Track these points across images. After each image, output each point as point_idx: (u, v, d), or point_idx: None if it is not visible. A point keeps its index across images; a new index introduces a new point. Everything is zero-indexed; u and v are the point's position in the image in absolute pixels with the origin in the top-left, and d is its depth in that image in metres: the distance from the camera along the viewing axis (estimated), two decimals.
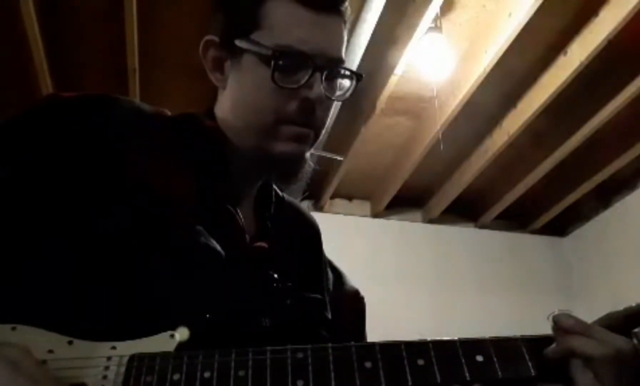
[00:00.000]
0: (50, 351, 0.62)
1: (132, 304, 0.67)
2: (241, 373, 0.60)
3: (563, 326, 0.66)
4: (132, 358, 0.62)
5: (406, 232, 4.24)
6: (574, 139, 3.39)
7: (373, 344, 0.65)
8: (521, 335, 0.67)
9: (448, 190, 4.05)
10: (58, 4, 2.57)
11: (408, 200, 4.20)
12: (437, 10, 2.57)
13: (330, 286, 0.94)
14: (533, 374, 0.64)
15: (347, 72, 0.84)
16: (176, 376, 0.60)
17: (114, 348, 0.63)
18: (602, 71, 2.96)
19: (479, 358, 0.65)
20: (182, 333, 0.65)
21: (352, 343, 0.64)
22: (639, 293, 3.52)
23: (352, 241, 3.88)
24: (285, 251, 0.85)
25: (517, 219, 4.41)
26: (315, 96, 0.78)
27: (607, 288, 3.95)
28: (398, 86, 3.05)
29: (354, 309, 0.97)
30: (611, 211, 4.15)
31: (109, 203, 0.71)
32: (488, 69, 2.86)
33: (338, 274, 0.98)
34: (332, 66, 0.81)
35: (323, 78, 0.79)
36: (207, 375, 0.60)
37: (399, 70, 2.87)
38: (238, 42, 0.80)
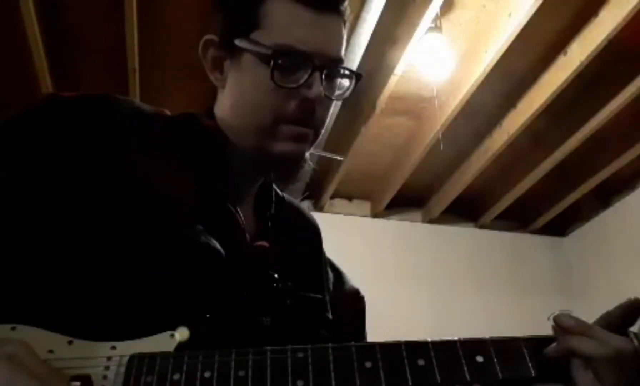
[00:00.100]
0: (51, 351, 0.62)
1: (132, 304, 0.67)
2: (241, 373, 0.60)
3: (564, 326, 0.66)
4: (132, 358, 0.62)
5: (406, 232, 4.24)
6: (574, 139, 3.40)
7: (373, 344, 0.65)
8: (522, 336, 0.67)
9: (448, 190, 4.05)
10: (58, 4, 2.57)
11: (408, 200, 4.20)
12: (437, 10, 2.57)
13: (331, 286, 0.94)
14: (533, 375, 0.64)
15: (347, 72, 0.84)
16: (176, 376, 0.60)
17: (114, 348, 0.63)
18: (602, 71, 2.96)
19: (480, 358, 0.64)
20: (182, 333, 0.65)
21: (352, 343, 0.64)
22: (639, 293, 3.53)
23: (352, 241, 3.88)
24: (285, 250, 0.85)
25: (517, 219, 4.41)
26: (315, 95, 0.78)
27: (607, 288, 3.95)
28: (398, 86, 3.05)
29: (354, 308, 0.97)
30: (611, 211, 4.16)
31: (109, 203, 0.71)
32: (488, 69, 2.86)
33: (338, 274, 0.98)
34: (332, 65, 0.81)
35: (322, 78, 0.79)
36: (207, 374, 0.60)
37: (399, 70, 2.87)
38: (237, 42, 0.80)
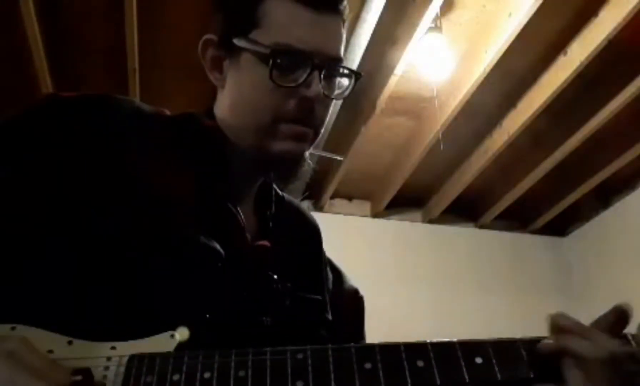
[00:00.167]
0: (50, 351, 0.62)
1: (132, 304, 0.67)
2: (241, 373, 0.60)
3: (559, 324, 0.66)
4: (132, 358, 0.62)
5: (406, 232, 4.24)
6: (574, 139, 3.40)
7: (373, 345, 0.65)
8: (520, 337, 0.67)
9: (448, 190, 4.05)
10: (58, 4, 2.57)
11: (408, 200, 4.20)
12: (437, 10, 2.57)
13: (330, 286, 0.94)
14: (532, 376, 0.64)
15: (346, 71, 0.84)
16: (176, 377, 0.60)
17: (113, 348, 0.63)
18: (602, 71, 2.96)
19: (478, 359, 0.64)
20: (182, 333, 0.65)
21: (352, 344, 0.64)
22: (639, 293, 3.52)
23: (352, 241, 3.88)
24: (286, 250, 0.85)
25: (517, 219, 4.41)
26: (314, 94, 0.78)
27: (607, 288, 3.95)
28: (398, 86, 3.05)
29: (353, 308, 0.97)
30: (611, 211, 4.16)
31: (109, 203, 0.71)
32: (488, 69, 2.86)
33: (338, 274, 0.98)
34: (331, 64, 0.81)
35: (322, 77, 0.79)
36: (207, 375, 0.60)
37: (399, 70, 2.87)
38: (236, 41, 0.80)
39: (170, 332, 0.65)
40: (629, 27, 2.58)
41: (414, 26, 2.62)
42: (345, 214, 4.19)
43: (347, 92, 0.85)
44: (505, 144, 3.44)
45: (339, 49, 0.82)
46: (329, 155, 3.46)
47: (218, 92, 0.88)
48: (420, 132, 3.49)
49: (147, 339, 0.64)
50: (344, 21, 0.84)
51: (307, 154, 0.84)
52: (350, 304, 0.97)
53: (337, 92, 0.84)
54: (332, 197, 4.11)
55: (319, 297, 0.88)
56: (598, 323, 0.67)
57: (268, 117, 0.79)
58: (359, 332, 0.95)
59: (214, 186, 0.80)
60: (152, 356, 0.62)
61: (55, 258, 0.68)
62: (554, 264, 4.43)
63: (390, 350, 0.64)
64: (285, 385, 0.60)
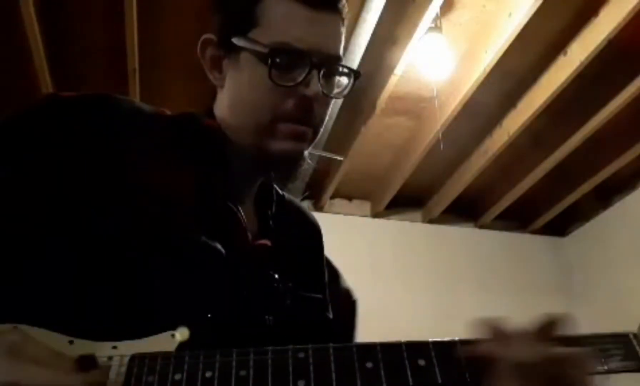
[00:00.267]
0: None
1: (132, 304, 0.67)
2: (242, 372, 0.60)
3: (489, 329, 0.66)
4: (133, 358, 0.62)
5: (406, 232, 4.24)
6: (574, 139, 3.40)
7: (374, 344, 0.65)
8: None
9: (448, 190, 4.05)
10: (58, 4, 2.57)
11: (408, 200, 4.20)
12: (437, 10, 2.57)
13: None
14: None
15: (345, 70, 0.84)
16: (177, 376, 0.60)
17: (114, 347, 0.63)
18: (602, 71, 2.96)
19: None
20: (182, 333, 0.65)
21: (353, 343, 0.64)
22: (639, 293, 3.53)
23: (352, 241, 3.88)
24: (286, 249, 0.85)
25: (517, 219, 4.41)
26: (313, 93, 0.78)
27: (607, 288, 3.95)
28: (398, 86, 3.05)
29: (346, 309, 0.97)
30: (611, 211, 4.16)
31: (109, 202, 0.71)
32: (488, 69, 2.86)
33: (334, 273, 0.98)
34: (330, 63, 0.81)
35: (320, 76, 0.79)
36: (208, 374, 0.60)
37: (399, 70, 2.87)
38: (235, 40, 0.80)
39: (171, 332, 0.65)
40: (629, 27, 2.58)
41: (414, 26, 2.62)
42: (345, 214, 4.19)
43: (346, 91, 0.85)
44: (505, 144, 3.44)
45: (338, 48, 0.82)
46: (329, 155, 3.46)
47: (218, 92, 0.88)
48: (420, 132, 3.49)
49: (148, 339, 0.64)
50: (343, 20, 0.83)
51: (306, 153, 0.84)
52: (344, 305, 0.96)
53: (336, 91, 0.84)
54: (332, 197, 4.11)
55: (320, 296, 0.88)
56: (537, 327, 0.67)
57: (267, 116, 0.79)
58: (349, 334, 0.95)
59: (214, 185, 0.80)
60: (153, 356, 0.62)
61: (55, 258, 0.68)
62: (554, 264, 4.43)
63: (391, 349, 0.64)
64: (287, 384, 0.60)
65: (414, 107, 3.36)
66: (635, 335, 0.68)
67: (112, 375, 0.60)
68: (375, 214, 4.23)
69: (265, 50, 0.77)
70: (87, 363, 0.59)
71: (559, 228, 4.49)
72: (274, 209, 0.90)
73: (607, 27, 2.62)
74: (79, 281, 0.68)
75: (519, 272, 4.29)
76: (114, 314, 0.66)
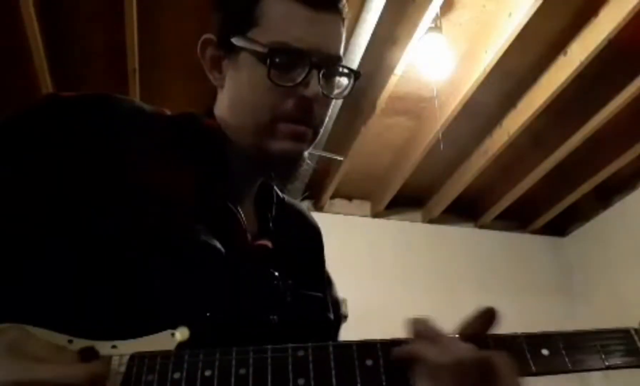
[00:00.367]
0: None
1: (132, 303, 0.67)
2: (242, 371, 0.60)
3: (414, 329, 0.66)
4: (133, 357, 0.62)
5: (406, 232, 4.23)
6: (574, 139, 3.40)
7: (374, 342, 0.65)
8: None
9: (448, 190, 4.05)
10: (58, 4, 2.57)
11: (408, 200, 4.20)
12: (437, 10, 2.57)
13: None
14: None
15: (345, 70, 0.84)
16: (177, 375, 0.60)
17: (114, 347, 0.63)
18: (602, 71, 2.96)
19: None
20: (182, 333, 0.65)
21: (353, 341, 0.64)
22: (639, 293, 3.52)
23: (352, 241, 3.88)
24: (286, 250, 0.85)
25: (517, 219, 4.41)
26: (312, 93, 0.78)
27: (607, 288, 3.95)
28: (398, 86, 3.05)
29: (335, 318, 0.96)
30: (611, 211, 4.15)
31: (109, 202, 0.71)
32: (488, 69, 2.86)
33: (328, 281, 0.97)
34: (330, 63, 0.80)
35: (320, 76, 0.78)
36: (208, 373, 0.60)
37: (399, 70, 2.87)
38: (234, 40, 0.80)
39: (171, 331, 0.65)
40: (629, 27, 2.58)
41: (414, 26, 2.62)
42: (345, 214, 4.19)
43: (346, 92, 0.85)
44: (505, 144, 3.44)
45: (338, 48, 0.82)
46: (329, 155, 3.45)
47: (218, 92, 0.88)
48: (420, 132, 3.49)
49: (147, 338, 0.64)
50: (343, 20, 0.83)
51: (306, 154, 0.84)
52: (334, 314, 0.96)
53: (336, 91, 0.84)
54: (332, 197, 4.11)
55: (321, 295, 0.88)
56: (463, 327, 0.67)
57: (266, 116, 0.79)
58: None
59: (214, 185, 0.80)
60: (152, 355, 0.62)
61: (55, 257, 0.68)
62: (554, 264, 4.42)
63: (391, 347, 0.64)
64: (287, 382, 0.60)
65: (414, 107, 3.36)
66: (636, 330, 0.68)
67: (112, 374, 0.60)
68: (375, 214, 4.23)
69: (265, 50, 0.77)
70: (88, 354, 0.59)
71: (559, 228, 4.49)
72: (274, 211, 0.90)
73: (607, 27, 2.62)
74: (79, 281, 0.68)
75: (519, 272, 4.28)
76: (114, 314, 0.66)
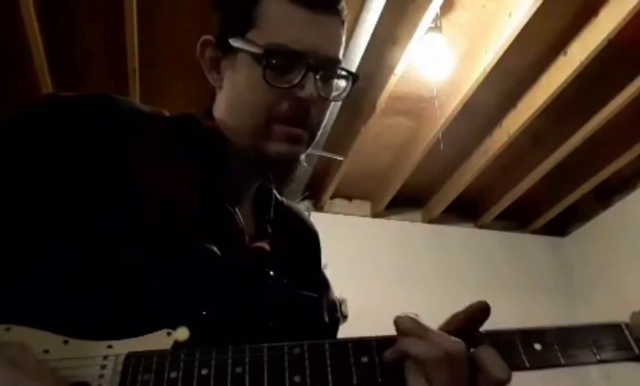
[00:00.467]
0: (46, 351, 0.62)
1: (131, 304, 0.67)
2: (238, 369, 0.61)
3: (401, 327, 0.66)
4: (129, 356, 0.62)
5: (406, 232, 4.23)
6: (574, 139, 3.39)
7: (369, 339, 0.65)
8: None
9: (448, 190, 4.05)
10: (58, 4, 2.57)
11: (408, 200, 4.20)
12: (437, 10, 2.57)
13: None
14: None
15: (344, 72, 0.83)
16: (173, 374, 0.60)
17: (110, 346, 0.63)
18: (602, 71, 2.96)
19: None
20: (182, 333, 0.65)
21: (349, 338, 0.65)
22: (639, 293, 3.52)
23: (352, 241, 3.88)
24: (283, 253, 0.85)
25: (517, 219, 4.40)
26: (308, 95, 0.78)
27: (607, 288, 3.95)
28: (398, 86, 3.05)
29: (332, 320, 0.96)
30: (611, 211, 4.15)
31: (109, 203, 0.71)
32: (488, 69, 2.85)
33: (325, 283, 0.97)
34: (327, 65, 0.80)
35: (317, 78, 0.78)
36: (204, 372, 0.60)
37: (399, 70, 2.87)
38: (232, 41, 0.80)
39: (167, 330, 0.65)
40: (629, 27, 2.58)
41: (414, 26, 2.62)
42: (345, 214, 4.19)
43: (344, 94, 0.85)
44: (505, 144, 3.43)
45: (336, 50, 0.82)
46: (329, 155, 3.46)
47: (217, 92, 0.88)
48: (420, 132, 3.49)
49: (143, 337, 0.64)
50: (342, 22, 0.83)
51: (302, 156, 0.83)
52: (329, 316, 0.96)
53: (334, 94, 0.84)
54: (332, 197, 4.11)
55: (316, 295, 0.88)
56: (453, 321, 0.68)
57: (262, 117, 0.79)
58: None
59: (214, 186, 0.81)
60: (149, 354, 0.62)
61: (55, 258, 0.68)
62: (554, 264, 4.42)
63: (387, 344, 0.65)
64: (283, 380, 0.61)
65: (414, 107, 3.36)
66: (627, 325, 0.69)
67: (108, 373, 0.61)
68: (375, 214, 4.23)
69: (261, 52, 0.77)
70: None
71: (559, 228, 4.49)
72: (272, 214, 0.90)
73: (607, 27, 2.62)
74: (79, 281, 0.68)
75: (519, 272, 4.28)
76: (113, 314, 0.66)
